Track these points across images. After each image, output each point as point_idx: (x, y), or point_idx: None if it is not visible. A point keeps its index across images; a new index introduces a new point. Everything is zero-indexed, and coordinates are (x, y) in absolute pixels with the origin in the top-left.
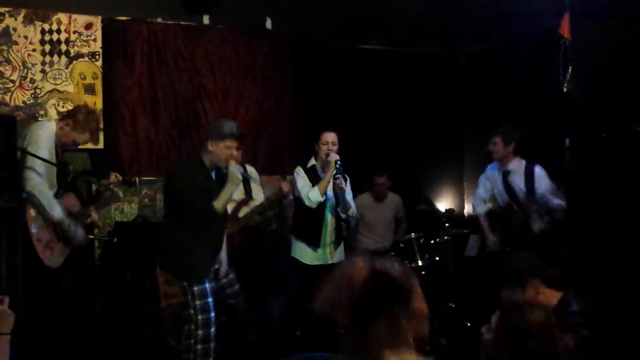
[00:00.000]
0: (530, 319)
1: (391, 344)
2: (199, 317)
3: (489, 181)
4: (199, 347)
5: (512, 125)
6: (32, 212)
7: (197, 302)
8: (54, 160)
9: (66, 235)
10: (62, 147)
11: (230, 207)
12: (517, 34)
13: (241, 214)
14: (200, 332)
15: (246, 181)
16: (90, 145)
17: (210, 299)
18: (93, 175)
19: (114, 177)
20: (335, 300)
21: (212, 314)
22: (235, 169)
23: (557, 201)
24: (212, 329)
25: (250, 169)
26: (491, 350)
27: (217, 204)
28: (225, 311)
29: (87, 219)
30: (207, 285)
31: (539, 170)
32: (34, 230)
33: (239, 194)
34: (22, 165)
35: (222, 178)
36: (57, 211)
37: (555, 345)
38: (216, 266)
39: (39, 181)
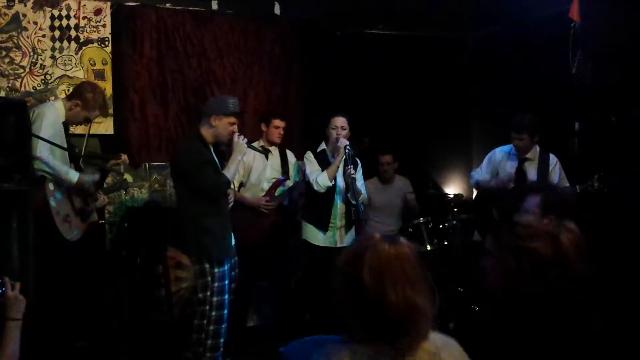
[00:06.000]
0: (523, 222)
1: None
2: (215, 298)
3: (495, 164)
4: (211, 327)
5: (530, 116)
6: (50, 185)
7: (216, 284)
8: (63, 140)
9: (85, 200)
10: (72, 125)
11: (265, 187)
12: (526, 17)
13: (277, 192)
14: (214, 313)
15: (285, 162)
16: (101, 131)
17: (227, 281)
18: (101, 158)
19: (124, 158)
20: (413, 284)
21: (227, 296)
22: (239, 139)
23: None
24: (226, 311)
25: (290, 155)
26: (494, 274)
27: (227, 173)
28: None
29: (97, 201)
30: (226, 268)
31: (553, 160)
32: (52, 203)
33: (274, 173)
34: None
35: (220, 155)
36: (71, 174)
37: (558, 242)
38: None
39: (44, 155)
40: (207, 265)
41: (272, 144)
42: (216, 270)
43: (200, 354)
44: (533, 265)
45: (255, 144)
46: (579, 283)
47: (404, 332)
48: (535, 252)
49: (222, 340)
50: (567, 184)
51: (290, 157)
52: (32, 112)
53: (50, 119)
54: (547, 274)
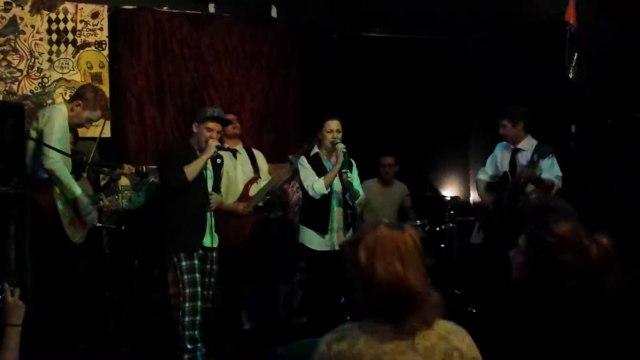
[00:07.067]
0: (557, 232)
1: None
2: (187, 290)
3: (495, 159)
4: (186, 319)
5: (517, 104)
6: (56, 189)
7: (185, 277)
8: (68, 143)
9: (81, 214)
10: (76, 128)
11: (240, 187)
12: (522, 20)
13: (252, 192)
14: (187, 304)
15: (253, 160)
16: (98, 134)
17: (198, 275)
18: (106, 166)
19: (127, 168)
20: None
21: (199, 289)
22: (212, 142)
23: (548, 176)
24: (199, 303)
25: (257, 153)
26: (521, 271)
27: (187, 169)
28: None
29: (99, 202)
30: (196, 262)
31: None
32: (60, 206)
33: (246, 172)
34: (39, 148)
35: (216, 167)
36: (76, 187)
37: (587, 255)
38: (206, 244)
39: (58, 159)
40: (175, 260)
41: (232, 137)
42: (184, 263)
43: (183, 348)
44: (557, 275)
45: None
46: (601, 297)
47: (403, 312)
48: (563, 264)
49: (197, 332)
50: (559, 173)
51: (258, 154)
52: (41, 115)
53: (59, 122)
54: (569, 284)
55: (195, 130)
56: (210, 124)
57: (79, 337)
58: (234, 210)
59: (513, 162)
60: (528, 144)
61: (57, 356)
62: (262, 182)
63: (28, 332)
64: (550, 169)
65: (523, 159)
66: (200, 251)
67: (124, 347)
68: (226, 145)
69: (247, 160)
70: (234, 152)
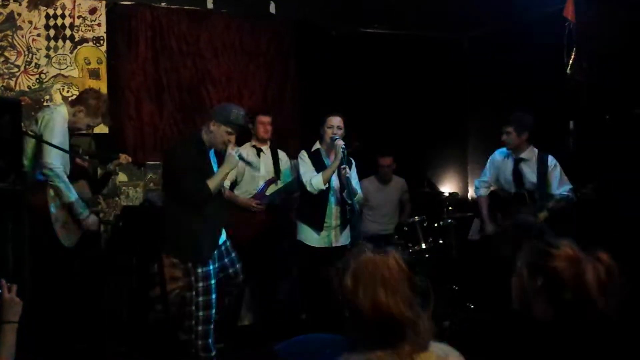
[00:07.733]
0: (556, 252)
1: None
2: (200, 298)
3: (495, 167)
4: (199, 328)
5: (525, 113)
6: (51, 192)
7: (200, 284)
8: (67, 145)
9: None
10: (73, 131)
11: (259, 185)
12: (521, 17)
13: (268, 192)
14: (201, 313)
15: (276, 162)
16: (96, 130)
17: (213, 281)
18: (99, 158)
19: (124, 158)
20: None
21: (214, 296)
22: (232, 152)
23: (560, 191)
24: (213, 311)
25: (282, 155)
26: (518, 288)
27: (211, 183)
28: (226, 292)
29: (97, 206)
30: (211, 268)
31: (551, 161)
32: (52, 210)
33: (268, 171)
34: (39, 149)
35: (222, 160)
36: (71, 194)
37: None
38: (221, 247)
39: (57, 164)
40: (189, 265)
41: (261, 140)
42: (199, 270)
43: (194, 355)
44: (549, 285)
45: (247, 144)
46: (596, 314)
47: (397, 337)
48: (553, 271)
49: (211, 340)
50: (569, 186)
51: (282, 156)
52: (41, 117)
53: (59, 124)
54: (563, 296)
55: (212, 128)
56: (231, 129)
57: (78, 337)
58: (246, 206)
59: (516, 172)
60: (531, 154)
61: (57, 356)
62: (281, 184)
63: (26, 332)
64: (562, 182)
65: (528, 170)
66: (215, 252)
67: (123, 347)
68: (247, 144)
69: (270, 160)
70: (259, 151)
